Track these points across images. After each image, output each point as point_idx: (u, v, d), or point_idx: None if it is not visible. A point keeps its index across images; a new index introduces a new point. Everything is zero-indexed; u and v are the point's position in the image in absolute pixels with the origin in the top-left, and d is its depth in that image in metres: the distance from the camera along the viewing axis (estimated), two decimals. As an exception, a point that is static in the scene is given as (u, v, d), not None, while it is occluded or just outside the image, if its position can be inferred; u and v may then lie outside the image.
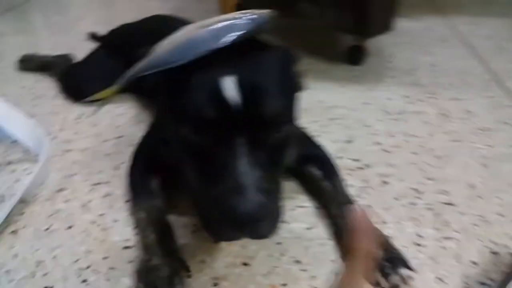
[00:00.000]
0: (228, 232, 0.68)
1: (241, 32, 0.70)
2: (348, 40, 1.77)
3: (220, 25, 0.71)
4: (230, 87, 0.67)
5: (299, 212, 1.00)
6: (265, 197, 0.67)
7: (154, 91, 0.86)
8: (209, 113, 0.67)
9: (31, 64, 1.72)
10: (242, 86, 0.67)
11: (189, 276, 0.84)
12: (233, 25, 0.71)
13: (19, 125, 1.16)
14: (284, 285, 0.83)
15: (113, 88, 0.77)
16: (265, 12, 0.75)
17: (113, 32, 1.59)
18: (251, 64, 0.71)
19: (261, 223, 0.67)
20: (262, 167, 0.69)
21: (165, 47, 0.72)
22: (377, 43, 1.92)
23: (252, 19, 0.72)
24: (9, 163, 1.18)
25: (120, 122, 1.37)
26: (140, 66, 0.74)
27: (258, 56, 0.73)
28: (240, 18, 0.72)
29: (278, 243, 0.92)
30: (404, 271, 0.81)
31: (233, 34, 0.70)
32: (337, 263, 0.87)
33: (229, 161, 0.68)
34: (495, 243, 0.91)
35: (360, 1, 1.52)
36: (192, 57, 0.69)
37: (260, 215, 0.65)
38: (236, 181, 0.66)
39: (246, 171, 0.67)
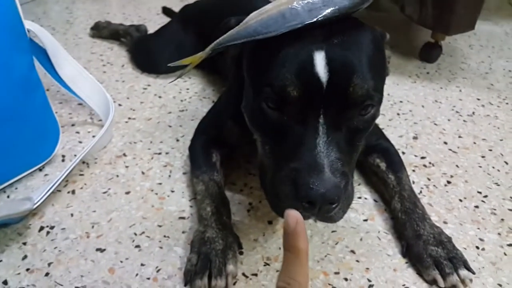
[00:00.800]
0: (297, 209, 0.67)
1: (338, 8, 0.68)
2: (424, 36, 1.72)
3: None
4: (319, 63, 0.65)
5: (358, 203, 0.98)
6: (340, 179, 0.65)
7: (233, 64, 0.85)
8: (295, 89, 0.66)
9: (104, 31, 1.74)
10: (332, 63, 0.65)
11: (241, 253, 0.83)
12: (331, 0, 0.68)
13: (87, 88, 1.17)
14: (337, 273, 0.81)
15: (200, 54, 0.76)
16: None
17: (188, 7, 1.59)
18: (342, 42, 0.68)
19: (333, 205, 0.65)
20: (341, 149, 0.68)
21: (257, 18, 0.70)
22: (453, 42, 1.87)
23: None
24: (73, 124, 1.20)
25: (185, 96, 1.37)
26: (229, 35, 0.72)
27: (351, 34, 0.70)
28: None
29: (333, 231, 0.90)
30: (463, 272, 0.77)
31: (330, 9, 0.67)
32: (394, 257, 0.85)
33: (309, 139, 0.67)
34: (562, 256, 0.87)
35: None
36: (285, 30, 0.67)
37: (335, 197, 0.64)
38: (314, 160, 0.65)
39: (325, 150, 0.66)
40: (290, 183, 0.66)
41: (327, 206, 0.65)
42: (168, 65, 0.83)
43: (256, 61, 0.75)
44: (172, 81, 0.97)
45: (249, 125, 0.79)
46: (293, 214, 0.52)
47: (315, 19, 0.67)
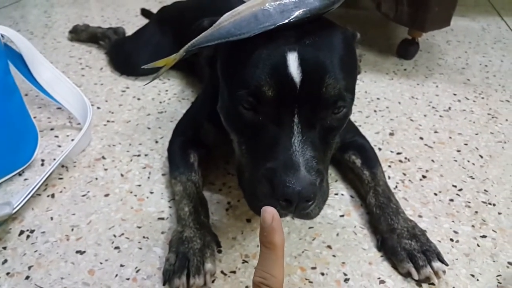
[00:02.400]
0: (274, 207, 0.68)
1: (309, 9, 0.69)
2: (402, 33, 1.74)
3: (289, 0, 0.69)
4: (292, 64, 0.67)
5: (334, 199, 0.99)
6: (316, 176, 0.67)
7: (207, 65, 0.86)
8: (270, 90, 0.67)
9: (82, 35, 1.74)
10: (304, 64, 0.67)
11: (219, 251, 0.85)
12: (302, 1, 0.69)
13: (65, 92, 1.17)
14: (314, 268, 0.82)
15: (173, 56, 0.77)
16: None
17: (165, 9, 1.60)
18: (314, 42, 0.69)
19: (309, 203, 0.67)
20: (315, 147, 0.70)
21: (230, 19, 0.71)
22: (431, 39, 1.89)
23: None
24: (52, 128, 1.20)
25: (164, 98, 1.38)
26: (203, 36, 0.73)
27: (322, 34, 0.72)
28: None
29: (311, 227, 0.91)
30: (437, 264, 0.79)
31: (301, 10, 0.69)
32: (369, 251, 0.86)
33: (284, 138, 0.68)
34: (534, 246, 0.89)
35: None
36: (258, 31, 0.68)
37: (311, 194, 0.65)
38: (290, 158, 0.66)
39: (300, 149, 0.67)
40: (267, 182, 0.67)
41: (304, 204, 0.66)
42: (142, 67, 0.84)
43: (230, 62, 0.76)
44: (147, 84, 0.97)
45: (225, 125, 0.81)
46: (269, 210, 0.54)
47: (287, 21, 0.68)
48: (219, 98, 0.82)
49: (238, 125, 0.76)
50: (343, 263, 0.84)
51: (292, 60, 0.67)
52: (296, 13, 0.68)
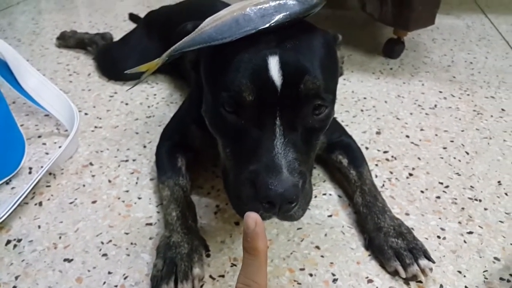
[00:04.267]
0: (258, 210, 0.68)
1: (289, 13, 0.70)
2: (388, 33, 1.75)
3: (269, 4, 0.70)
4: (273, 67, 0.67)
5: (322, 199, 1.00)
6: (298, 178, 0.67)
7: (192, 69, 0.87)
8: (251, 93, 0.68)
9: (70, 41, 1.74)
10: (285, 67, 0.67)
11: (208, 255, 0.85)
12: (283, 5, 0.70)
13: (52, 99, 1.17)
14: (302, 269, 0.83)
15: (156, 61, 0.78)
16: None
17: (152, 13, 1.60)
18: (295, 46, 0.70)
19: (292, 204, 0.67)
20: (297, 149, 0.70)
21: (212, 24, 0.72)
22: (416, 37, 1.91)
23: (303, 1, 0.72)
24: (40, 136, 1.20)
25: (152, 102, 1.38)
26: (185, 41, 0.74)
27: (303, 38, 0.73)
28: None
29: (299, 228, 0.92)
30: (423, 262, 0.80)
31: (282, 15, 0.70)
32: (357, 251, 0.87)
33: (266, 141, 0.69)
34: (520, 241, 0.90)
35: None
36: (239, 35, 0.69)
37: (293, 196, 0.66)
38: (272, 161, 0.67)
39: (282, 151, 0.68)
40: (250, 185, 0.68)
41: (287, 206, 0.67)
42: (125, 72, 0.84)
43: (213, 66, 0.76)
44: (130, 88, 0.98)
45: (210, 128, 0.81)
46: (252, 216, 0.54)
47: (267, 25, 0.69)
48: (203, 101, 0.82)
49: (222, 128, 0.77)
50: (332, 263, 0.84)
51: (273, 64, 0.67)
52: (277, 18, 0.69)
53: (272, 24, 0.69)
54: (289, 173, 0.66)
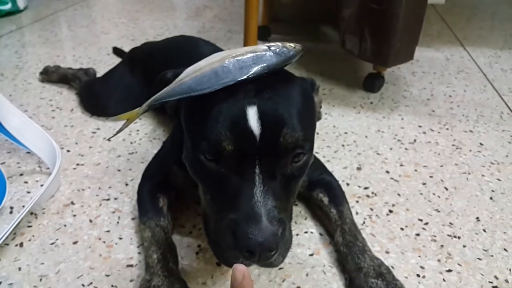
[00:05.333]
0: (238, 258, 0.69)
1: (266, 65, 0.72)
2: (368, 67, 1.78)
3: (247, 56, 0.72)
4: (251, 118, 0.69)
5: (304, 237, 1.01)
6: (278, 226, 0.68)
7: (172, 114, 0.89)
8: (230, 143, 0.69)
9: (53, 76, 1.75)
10: (264, 117, 0.69)
11: (189, 298, 0.85)
12: (260, 57, 0.72)
13: (34, 138, 1.18)
14: (283, 311, 0.83)
15: (136, 110, 0.79)
16: (293, 46, 0.76)
17: (136, 50, 1.62)
18: (273, 96, 0.72)
19: (271, 252, 0.68)
20: (277, 196, 0.71)
21: (192, 75, 0.73)
22: (395, 71, 1.94)
23: (280, 53, 0.74)
24: (22, 174, 1.20)
25: (135, 138, 1.39)
26: (165, 91, 0.75)
27: (281, 88, 0.75)
28: (269, 50, 0.74)
29: (280, 268, 0.92)
30: (402, 303, 0.81)
31: (259, 66, 0.71)
32: (337, 292, 0.88)
33: (246, 189, 0.70)
34: (497, 278, 0.91)
35: (382, 31, 1.52)
36: (218, 87, 0.70)
37: (272, 244, 0.67)
38: (252, 210, 0.68)
39: (262, 200, 0.69)
40: (230, 233, 0.69)
41: (266, 254, 0.68)
42: (107, 119, 0.85)
43: (192, 115, 0.78)
44: (111, 138, 0.98)
45: (191, 174, 0.82)
46: (240, 269, 0.55)
47: (245, 76, 0.71)
48: (184, 147, 0.83)
49: (202, 175, 0.78)
50: (312, 304, 0.85)
51: (252, 114, 0.69)
52: (255, 69, 0.71)
53: (250, 76, 0.71)
54: (268, 221, 0.67)
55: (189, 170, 0.81)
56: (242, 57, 0.72)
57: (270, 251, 0.67)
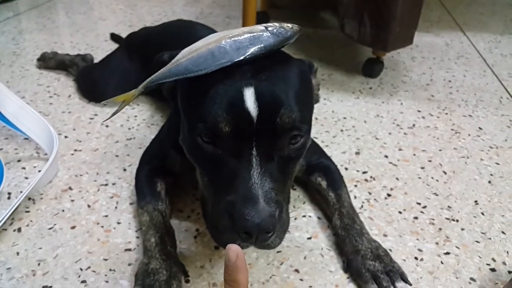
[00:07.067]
0: (235, 241, 0.69)
1: (263, 46, 0.71)
2: (367, 52, 1.77)
3: (244, 37, 0.71)
4: (249, 99, 0.68)
5: (302, 221, 1.01)
6: (275, 208, 0.68)
7: (169, 97, 0.88)
8: (227, 125, 0.68)
9: (50, 62, 1.74)
10: (261, 98, 0.68)
11: (187, 281, 0.85)
12: (257, 38, 0.71)
13: (32, 124, 1.17)
14: (281, 294, 0.83)
15: (132, 92, 0.78)
16: (290, 26, 0.75)
17: (133, 35, 1.61)
18: (270, 77, 0.71)
19: (269, 234, 0.68)
20: (274, 178, 0.71)
21: (188, 56, 0.72)
22: (395, 56, 1.93)
23: (277, 34, 0.73)
24: (19, 160, 1.19)
25: (133, 124, 1.38)
26: (161, 73, 0.74)
27: (278, 69, 0.74)
28: (266, 31, 0.72)
29: (278, 252, 0.92)
30: (400, 285, 0.81)
31: (256, 47, 0.70)
32: (336, 273, 0.87)
33: (243, 171, 0.69)
34: (495, 260, 0.91)
35: (381, 15, 1.52)
36: (215, 68, 0.69)
37: (270, 226, 0.66)
38: (249, 191, 0.67)
39: (259, 181, 0.68)
40: (227, 215, 0.68)
41: (264, 235, 0.67)
42: (102, 102, 0.85)
43: (189, 97, 0.77)
44: (107, 120, 0.97)
45: (188, 157, 0.81)
46: (233, 249, 0.54)
47: (242, 57, 0.70)
48: (181, 130, 0.83)
49: (199, 158, 0.77)
50: (310, 286, 0.85)
51: (249, 95, 0.68)
52: (252, 50, 0.70)
53: (247, 57, 0.70)
54: (265, 203, 0.67)
55: (186, 152, 0.81)
56: (239, 37, 0.71)
57: (267, 232, 0.67)
